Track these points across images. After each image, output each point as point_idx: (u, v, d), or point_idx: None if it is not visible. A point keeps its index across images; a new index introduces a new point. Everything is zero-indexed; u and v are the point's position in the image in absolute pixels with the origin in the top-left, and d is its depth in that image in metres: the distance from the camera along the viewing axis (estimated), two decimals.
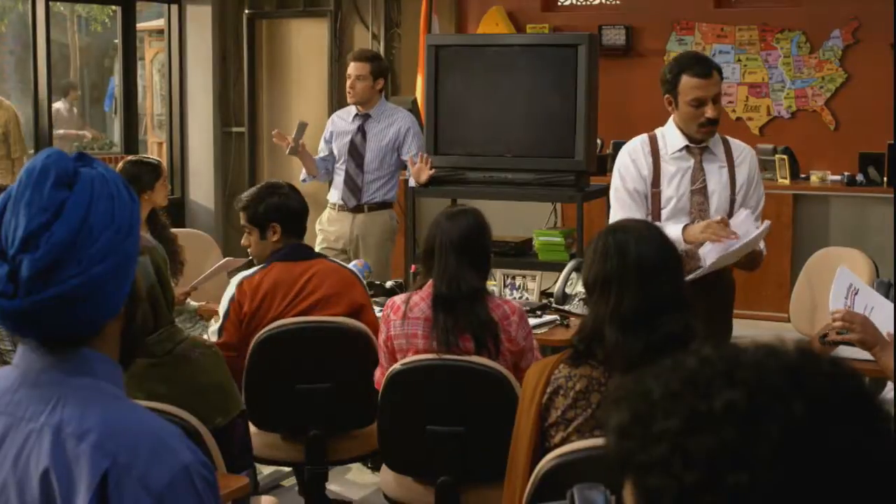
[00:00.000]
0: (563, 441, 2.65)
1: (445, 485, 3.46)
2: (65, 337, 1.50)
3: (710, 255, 3.81)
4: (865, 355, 2.91)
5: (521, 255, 5.58)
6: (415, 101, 7.34)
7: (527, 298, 4.70)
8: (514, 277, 4.82)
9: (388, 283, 4.87)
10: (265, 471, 4.72)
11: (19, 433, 1.49)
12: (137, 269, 1.58)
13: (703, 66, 3.92)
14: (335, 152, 5.96)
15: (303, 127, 5.85)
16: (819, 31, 7.95)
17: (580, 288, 4.32)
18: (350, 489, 4.80)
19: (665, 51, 8.16)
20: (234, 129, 9.34)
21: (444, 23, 8.45)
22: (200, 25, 9.11)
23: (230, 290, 3.92)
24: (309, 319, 3.88)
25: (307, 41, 9.19)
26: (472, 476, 3.46)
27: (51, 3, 8.06)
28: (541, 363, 2.80)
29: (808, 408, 0.91)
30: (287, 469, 4.64)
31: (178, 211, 8.85)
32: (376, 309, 4.14)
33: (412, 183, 5.85)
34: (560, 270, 4.72)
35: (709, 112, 3.90)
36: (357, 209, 5.89)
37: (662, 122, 4.07)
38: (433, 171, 5.75)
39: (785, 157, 7.45)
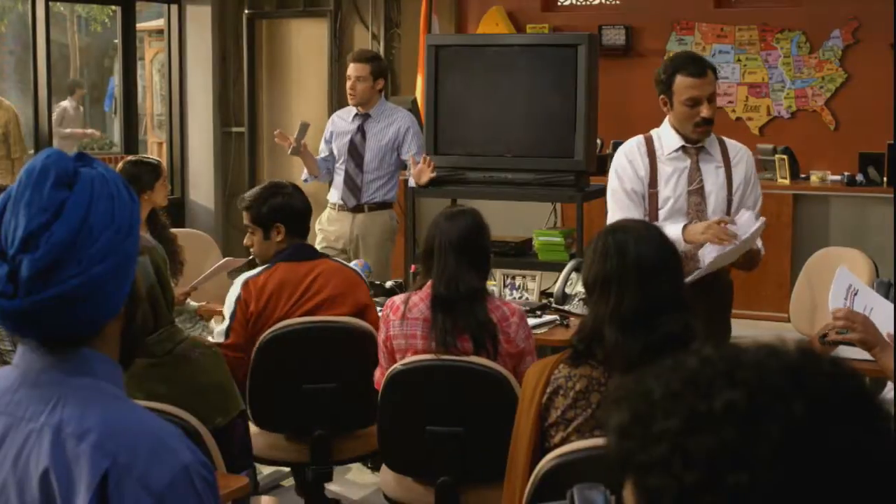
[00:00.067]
0: (563, 441, 2.65)
1: (445, 485, 3.46)
2: (65, 337, 1.50)
3: (707, 255, 3.81)
4: (865, 355, 2.91)
5: (520, 255, 5.58)
6: (415, 101, 7.34)
7: (527, 298, 4.70)
8: (513, 277, 4.81)
9: (388, 283, 4.87)
10: (265, 471, 4.72)
11: (19, 433, 1.49)
12: (137, 269, 1.58)
13: (697, 66, 3.92)
14: (335, 152, 5.96)
15: (305, 127, 5.85)
16: (819, 31, 7.95)
17: (580, 288, 4.32)
18: (350, 489, 4.80)
19: (665, 51, 8.15)
20: (234, 129, 9.34)
21: (444, 23, 8.45)
22: (200, 25, 9.11)
23: (235, 290, 3.90)
24: (314, 319, 3.88)
25: (307, 41, 9.19)
26: (471, 476, 3.46)
27: (51, 3, 8.06)
28: (540, 363, 2.80)
29: (809, 408, 0.91)
30: (286, 469, 4.64)
31: (178, 211, 8.85)
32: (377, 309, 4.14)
33: (412, 183, 5.85)
34: (560, 270, 4.72)
35: (704, 112, 3.90)
36: (357, 209, 5.89)
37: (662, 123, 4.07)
38: (434, 173, 5.75)
39: (785, 157, 7.45)
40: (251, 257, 4.25)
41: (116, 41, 9.44)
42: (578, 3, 8.72)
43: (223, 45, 9.24)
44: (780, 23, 8.07)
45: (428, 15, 8.00)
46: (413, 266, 5.60)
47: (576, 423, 2.65)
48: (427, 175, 5.74)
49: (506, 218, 6.16)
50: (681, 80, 3.89)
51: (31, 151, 8.16)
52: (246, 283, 3.89)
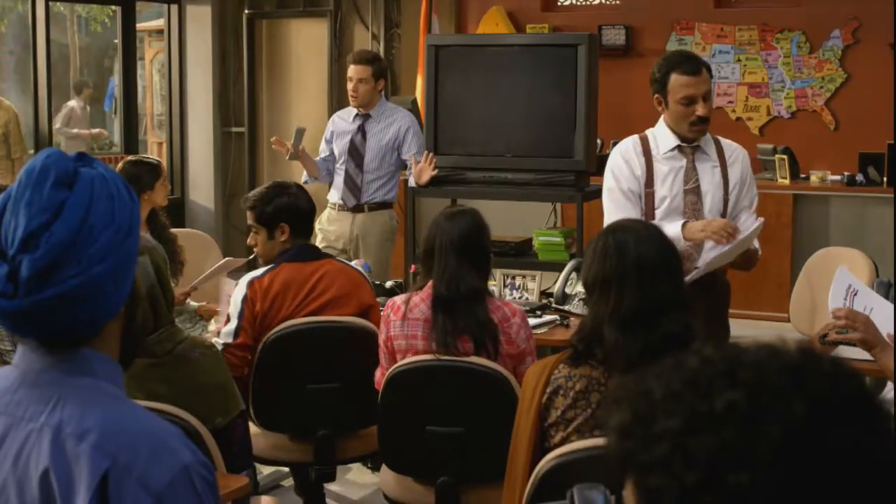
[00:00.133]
0: (563, 441, 2.64)
1: (445, 485, 3.46)
2: (65, 337, 1.50)
3: (706, 255, 3.81)
4: (865, 355, 2.91)
5: (521, 255, 5.58)
6: (415, 101, 7.34)
7: (527, 298, 4.70)
8: (514, 277, 4.81)
9: (388, 284, 4.87)
10: (265, 471, 4.72)
11: (19, 433, 1.49)
12: (137, 269, 1.58)
13: (691, 64, 3.91)
14: (335, 152, 5.96)
15: (300, 132, 5.85)
16: (819, 31, 7.95)
17: (580, 288, 4.32)
18: (350, 489, 4.81)
19: (665, 51, 8.13)
20: (234, 129, 9.34)
21: (444, 23, 8.45)
22: (200, 25, 9.11)
23: (241, 289, 3.87)
24: (318, 319, 3.88)
25: (307, 41, 9.19)
26: (472, 476, 3.46)
27: (51, 3, 8.06)
28: (540, 363, 2.80)
29: (809, 408, 0.91)
30: (286, 469, 4.64)
31: (178, 211, 8.85)
32: None
33: (412, 183, 5.85)
34: (560, 270, 4.72)
35: (699, 110, 3.89)
36: (357, 209, 5.89)
37: None
38: (435, 171, 5.75)
39: (785, 157, 7.45)
40: (251, 257, 4.24)
41: (116, 41, 9.45)
42: (578, 3, 8.72)
43: (223, 45, 9.24)
44: (780, 23, 8.07)
45: (428, 15, 8.00)
46: (413, 266, 5.60)
47: (576, 423, 2.65)
48: (428, 173, 5.74)
49: (506, 218, 6.16)
50: (675, 79, 3.89)
51: (31, 151, 8.16)
52: (251, 283, 3.88)
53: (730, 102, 8.20)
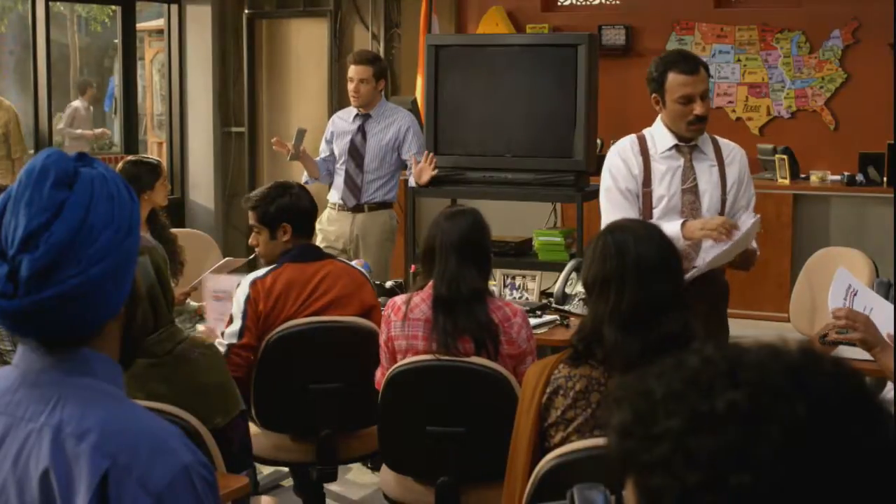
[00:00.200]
0: (563, 441, 2.64)
1: (445, 485, 3.46)
2: (65, 337, 1.50)
3: (706, 254, 3.81)
4: (865, 355, 2.92)
5: (521, 255, 5.58)
6: (415, 101, 7.34)
7: (527, 298, 4.70)
8: (514, 277, 4.81)
9: (388, 284, 4.87)
10: (265, 471, 4.72)
11: (19, 433, 1.49)
12: (137, 269, 1.58)
13: (689, 63, 3.91)
14: (335, 152, 5.97)
15: (301, 133, 5.85)
16: (819, 31, 7.95)
17: (580, 288, 4.32)
18: (350, 489, 4.81)
19: (664, 51, 8.15)
20: (234, 129, 9.34)
21: (444, 23, 8.45)
22: (200, 25, 9.11)
23: (243, 290, 3.87)
24: (321, 319, 3.88)
25: (307, 41, 9.19)
26: (472, 476, 3.46)
27: (51, 3, 8.06)
28: (540, 363, 2.79)
29: (810, 408, 0.91)
30: (286, 469, 4.64)
31: (178, 211, 8.85)
32: None
33: (412, 183, 5.85)
34: (560, 270, 4.72)
35: (697, 109, 3.89)
36: (357, 209, 5.89)
37: None
38: (436, 171, 5.75)
39: (785, 157, 7.45)
40: (251, 257, 4.24)
41: (116, 41, 9.45)
42: (578, 3, 8.72)
43: (223, 45, 9.24)
44: (780, 23, 8.07)
45: (428, 15, 8.00)
46: (413, 266, 5.60)
47: (576, 423, 2.65)
48: (428, 173, 5.74)
49: (506, 218, 6.16)
50: (673, 78, 3.88)
51: (32, 151, 8.16)
52: (254, 283, 3.87)
53: (730, 102, 8.20)
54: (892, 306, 3.50)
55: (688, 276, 3.72)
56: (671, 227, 3.72)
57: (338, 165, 5.95)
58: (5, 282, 1.45)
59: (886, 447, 0.92)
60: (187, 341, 2.89)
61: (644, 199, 3.96)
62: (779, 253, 7.15)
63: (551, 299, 4.63)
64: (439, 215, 3.62)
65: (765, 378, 0.93)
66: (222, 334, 3.86)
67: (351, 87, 5.87)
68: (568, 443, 2.61)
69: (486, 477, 3.37)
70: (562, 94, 5.62)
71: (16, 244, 1.46)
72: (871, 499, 0.90)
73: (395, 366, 3.48)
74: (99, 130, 11.60)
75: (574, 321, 4.27)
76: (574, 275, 4.55)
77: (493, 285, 4.56)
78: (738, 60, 8.18)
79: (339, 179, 5.94)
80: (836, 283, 3.68)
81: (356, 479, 4.89)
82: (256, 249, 4.08)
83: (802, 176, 7.60)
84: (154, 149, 11.59)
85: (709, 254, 3.81)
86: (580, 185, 5.61)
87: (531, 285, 4.76)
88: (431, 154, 5.77)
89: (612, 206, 3.94)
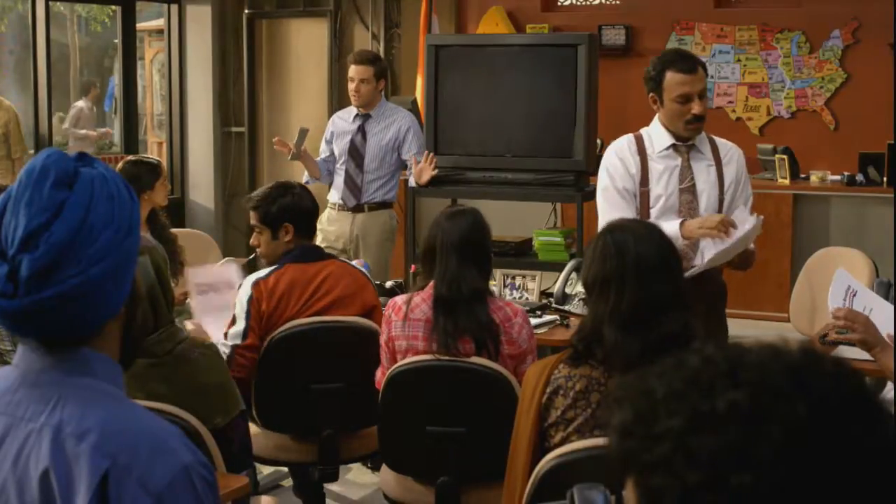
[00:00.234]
0: (563, 441, 2.64)
1: (445, 485, 3.46)
2: (65, 337, 1.50)
3: (706, 252, 3.81)
4: (865, 355, 2.92)
5: (520, 255, 5.58)
6: (415, 101, 7.34)
7: (527, 298, 4.70)
8: (513, 277, 4.81)
9: (388, 284, 4.87)
10: (265, 471, 4.72)
11: (19, 433, 1.49)
12: (137, 269, 1.58)
13: (687, 62, 3.91)
14: (335, 152, 5.97)
15: (304, 133, 5.85)
16: (819, 31, 7.95)
17: (580, 288, 4.32)
18: (350, 489, 4.81)
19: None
20: (234, 129, 9.34)
21: (443, 23, 8.45)
22: (200, 25, 9.11)
23: (245, 290, 3.86)
24: (324, 319, 3.88)
25: (307, 41, 9.19)
26: (472, 476, 3.46)
27: (51, 3, 8.06)
28: (540, 363, 2.79)
29: (811, 408, 0.91)
30: (286, 469, 4.64)
31: (178, 211, 8.85)
32: None
33: (412, 183, 5.85)
34: (560, 270, 4.72)
35: (695, 108, 3.88)
36: (357, 209, 5.90)
37: None
38: (436, 171, 5.75)
39: (785, 157, 7.45)
40: (251, 257, 4.23)
41: (116, 41, 9.45)
42: (578, 3, 8.72)
43: (223, 45, 9.24)
44: (780, 23, 8.07)
45: (428, 15, 8.00)
46: (413, 266, 5.60)
47: (576, 424, 2.65)
48: (428, 173, 5.74)
49: (506, 218, 6.16)
50: (671, 77, 3.88)
51: (31, 151, 8.16)
52: (256, 284, 3.86)
53: (730, 102, 8.20)
54: (891, 307, 3.50)
55: (687, 273, 3.72)
56: (670, 227, 3.72)
57: (338, 165, 5.95)
58: (5, 282, 1.45)
59: (886, 447, 0.92)
60: (187, 341, 2.89)
61: (641, 199, 3.95)
62: (779, 253, 7.15)
63: (551, 299, 4.63)
64: (440, 215, 3.61)
65: (766, 378, 0.93)
66: (225, 335, 3.85)
67: (351, 86, 5.87)
68: (568, 443, 2.61)
69: (486, 477, 3.37)
70: (562, 94, 5.62)
71: (16, 244, 1.46)
72: (872, 498, 0.90)
73: (396, 366, 3.48)
74: (103, 130, 11.61)
75: (574, 321, 4.27)
76: (574, 275, 4.55)
77: (493, 285, 4.56)
78: (738, 60, 8.18)
79: (339, 179, 5.94)
80: (836, 284, 3.68)
81: (356, 479, 4.89)
82: (258, 250, 4.07)
83: (802, 176, 7.60)
84: (154, 149, 11.60)
85: (707, 253, 3.81)
86: (580, 184, 5.61)
87: (531, 285, 4.76)
88: (431, 154, 5.77)
89: (609, 206, 3.93)
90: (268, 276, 3.89)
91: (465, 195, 5.81)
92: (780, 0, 8.12)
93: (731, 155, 4.02)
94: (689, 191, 3.95)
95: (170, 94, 9.22)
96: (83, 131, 11.05)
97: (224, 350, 3.76)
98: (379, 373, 3.64)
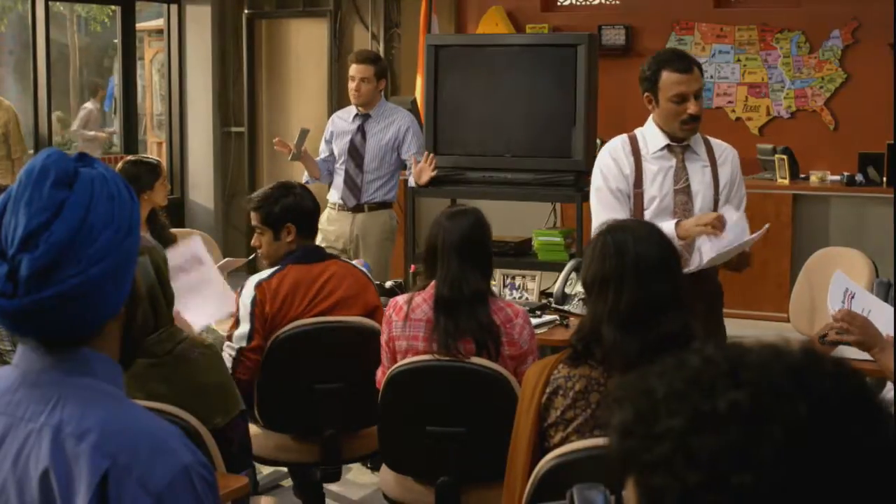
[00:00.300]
0: (563, 441, 2.64)
1: (445, 485, 3.45)
2: (64, 337, 1.50)
3: (707, 252, 3.80)
4: (865, 355, 2.92)
5: (520, 255, 5.58)
6: (414, 101, 7.34)
7: (526, 298, 4.70)
8: (513, 277, 4.81)
9: (388, 284, 4.87)
10: (265, 471, 4.72)
11: (19, 433, 1.49)
12: (137, 269, 1.58)
13: (682, 62, 3.89)
14: (335, 152, 5.97)
15: (304, 133, 5.85)
16: (819, 31, 7.96)
17: (580, 288, 4.32)
18: (350, 489, 4.80)
19: None
20: (234, 129, 9.34)
21: (443, 23, 8.45)
22: (200, 25, 9.11)
23: (248, 292, 3.84)
24: (326, 320, 3.87)
25: (307, 41, 9.19)
26: (472, 476, 3.46)
27: (51, 3, 8.06)
28: (540, 363, 2.79)
29: (811, 408, 0.91)
30: (286, 469, 4.64)
31: (178, 211, 8.85)
32: None
33: (412, 183, 5.85)
34: (560, 270, 4.72)
35: (691, 108, 3.87)
36: (357, 209, 5.89)
37: None
38: (435, 171, 5.75)
39: (784, 157, 7.45)
40: (251, 257, 4.22)
41: (116, 41, 9.45)
42: (578, 3, 8.72)
43: (223, 45, 9.24)
44: (779, 23, 8.07)
45: (428, 15, 8.00)
46: (413, 266, 5.60)
47: (575, 424, 2.65)
48: (428, 173, 5.74)
49: (506, 218, 6.15)
50: (667, 77, 3.86)
51: (31, 151, 8.16)
52: (259, 285, 3.85)
53: (729, 102, 8.20)
54: (890, 308, 3.50)
55: (685, 270, 3.72)
56: (666, 227, 3.71)
57: (337, 165, 5.95)
58: (5, 281, 1.45)
59: (886, 447, 0.92)
60: (187, 341, 2.89)
61: (635, 200, 3.93)
62: (778, 253, 7.15)
63: (551, 299, 4.63)
64: (441, 215, 3.61)
65: (766, 378, 0.93)
66: (229, 337, 3.84)
67: (352, 86, 5.87)
68: (568, 443, 2.61)
69: (486, 477, 3.37)
70: (561, 94, 5.62)
71: (16, 244, 1.46)
72: (872, 498, 0.90)
73: (396, 366, 3.47)
74: (111, 130, 11.63)
75: (574, 321, 4.27)
76: (574, 275, 4.54)
77: (493, 285, 4.56)
78: (738, 60, 8.18)
79: (339, 179, 5.93)
80: (834, 287, 3.68)
81: (356, 479, 4.89)
82: (259, 251, 4.05)
83: (802, 176, 7.60)
84: (154, 149, 11.60)
85: (706, 253, 3.80)
86: (580, 185, 5.61)
87: (531, 285, 4.76)
88: (431, 154, 5.77)
89: (603, 207, 3.91)
90: (270, 277, 3.88)
91: (464, 195, 5.81)
92: (779, 0, 8.13)
93: (726, 155, 4.01)
94: (684, 192, 3.94)
95: (169, 94, 9.23)
96: (92, 133, 11.08)
97: (230, 352, 3.76)
98: (379, 373, 3.64)
